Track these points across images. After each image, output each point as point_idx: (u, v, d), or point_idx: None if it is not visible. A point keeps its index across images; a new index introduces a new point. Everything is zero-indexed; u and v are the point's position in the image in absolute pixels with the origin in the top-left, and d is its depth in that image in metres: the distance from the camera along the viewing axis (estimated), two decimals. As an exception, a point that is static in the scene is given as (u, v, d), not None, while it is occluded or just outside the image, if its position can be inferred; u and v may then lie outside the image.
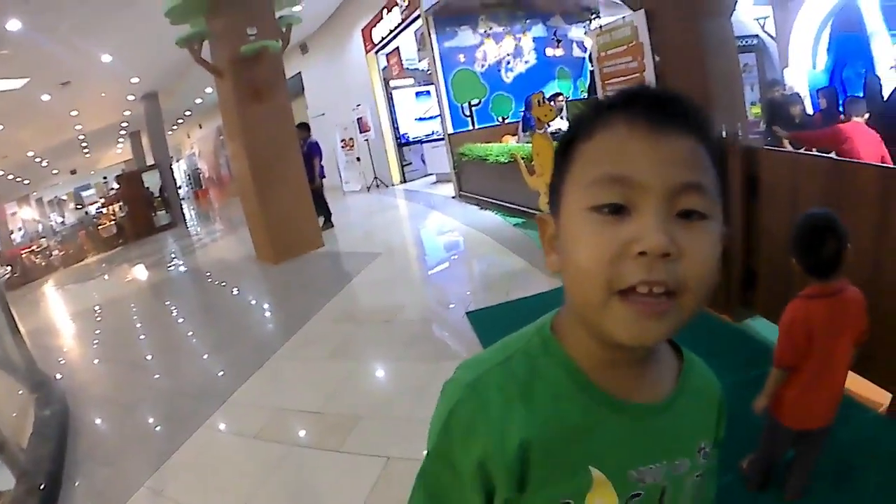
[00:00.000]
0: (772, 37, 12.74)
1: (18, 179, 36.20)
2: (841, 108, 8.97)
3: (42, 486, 4.61)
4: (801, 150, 6.60)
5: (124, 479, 4.74)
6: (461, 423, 0.98)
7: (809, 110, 9.87)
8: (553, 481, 0.96)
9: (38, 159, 31.35)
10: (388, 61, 18.47)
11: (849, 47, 10.88)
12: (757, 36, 12.88)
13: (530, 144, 9.40)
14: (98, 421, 6.18)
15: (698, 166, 0.87)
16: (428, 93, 19.15)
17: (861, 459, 3.06)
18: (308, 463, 4.18)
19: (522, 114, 13.27)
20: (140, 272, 15.60)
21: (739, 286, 4.68)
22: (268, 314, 8.85)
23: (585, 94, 13.67)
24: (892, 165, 5.01)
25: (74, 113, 22.50)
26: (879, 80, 9.17)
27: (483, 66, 15.37)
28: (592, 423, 0.97)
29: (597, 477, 0.96)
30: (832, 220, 2.48)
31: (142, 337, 9.41)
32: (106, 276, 16.48)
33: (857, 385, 3.54)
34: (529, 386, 0.97)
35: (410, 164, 19.79)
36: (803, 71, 11.19)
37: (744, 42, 12.09)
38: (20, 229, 40.32)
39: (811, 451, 2.74)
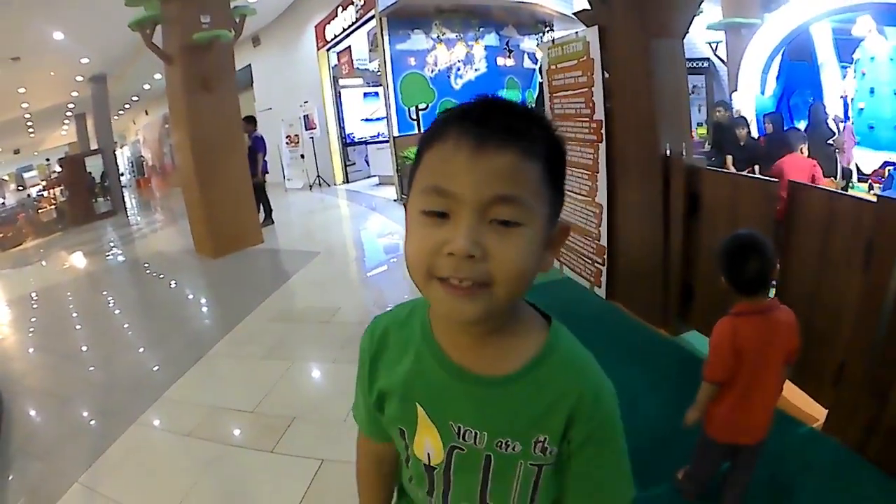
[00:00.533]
0: (723, 61, 12.98)
1: (-41, 156, 35.54)
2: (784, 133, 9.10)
3: None
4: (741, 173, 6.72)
5: (58, 474, 4.65)
6: (363, 350, 1.36)
7: (755, 133, 10.04)
8: (394, 406, 1.27)
9: (-20, 136, 30.80)
10: (339, 59, 18.44)
11: (798, 75, 11.16)
12: (708, 59, 13.12)
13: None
14: (32, 413, 6.05)
15: (515, 180, 1.00)
16: (376, 94, 19.14)
17: (796, 474, 3.13)
18: (242, 463, 4.17)
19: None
20: (78, 260, 15.31)
21: (677, 300, 4.75)
22: (205, 309, 8.78)
23: (534, 105, 13.78)
24: (825, 187, 5.11)
25: (22, 90, 22.04)
26: (825, 107, 9.42)
27: (433, 70, 15.39)
28: (426, 371, 1.21)
29: (421, 414, 1.22)
30: (757, 239, 2.53)
31: (78, 327, 9.23)
32: (43, 263, 16.14)
33: (795, 399, 3.62)
34: (402, 335, 1.29)
35: (354, 164, 19.75)
36: (751, 96, 11.40)
37: (694, 64, 12.32)
38: (-42, 207, 39.44)
39: (745, 466, 2.77)
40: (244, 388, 5.37)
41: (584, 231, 5.83)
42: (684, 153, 4.59)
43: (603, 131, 5.20)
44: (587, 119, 5.42)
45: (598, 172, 5.36)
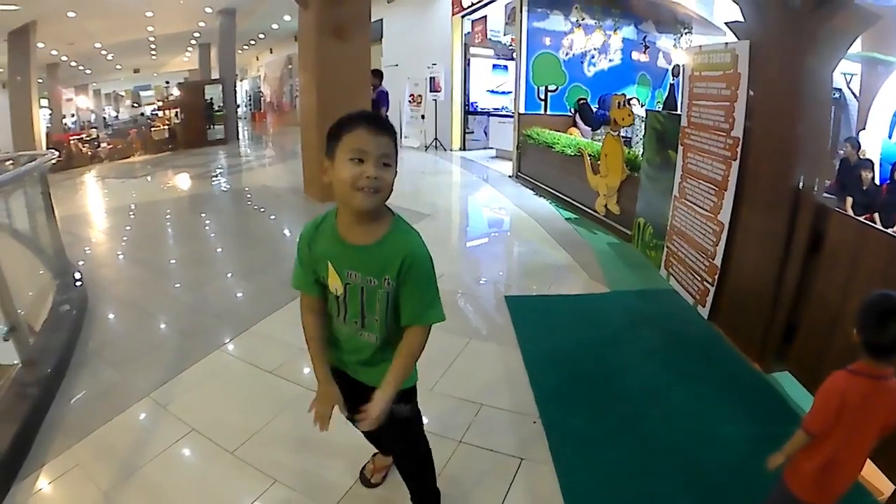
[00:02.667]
0: (855, 95, 12.54)
1: (80, 68, 36.32)
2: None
3: (47, 373, 4.67)
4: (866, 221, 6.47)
5: (130, 384, 4.76)
6: (301, 241, 2.55)
7: (877, 180, 9.62)
8: (318, 264, 2.49)
9: (104, 52, 31.42)
10: (472, 27, 18.29)
11: None
12: (840, 90, 12.67)
13: (598, 142, 9.34)
14: (114, 320, 6.19)
15: (390, 147, 2.27)
16: (505, 67, 19.07)
17: None
18: None
19: (579, 107, 13.22)
20: (183, 181, 15.56)
21: (778, 338, 4.59)
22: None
23: (661, 106, 13.55)
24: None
25: (149, 14, 22.52)
26: None
27: (568, 54, 15.21)
28: (333, 245, 2.43)
29: (330, 267, 2.44)
30: None
31: (172, 244, 9.46)
32: (148, 178, 16.45)
33: (865, 467, 3.51)
34: (320, 230, 2.50)
35: (473, 133, 19.63)
36: (879, 138, 10.93)
37: (828, 95, 11.89)
38: (73, 116, 40.38)
39: None
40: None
41: (699, 246, 5.69)
42: (816, 188, 4.42)
43: (739, 149, 5.02)
44: (724, 134, 5.26)
45: (726, 190, 5.20)
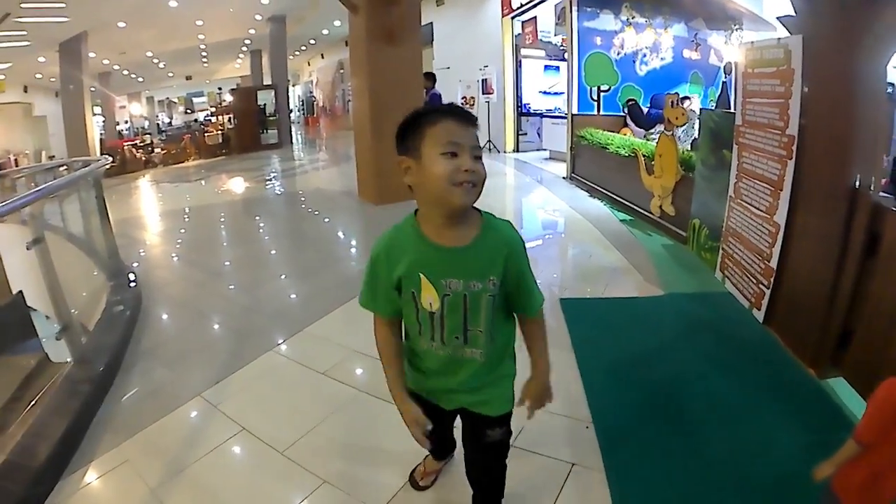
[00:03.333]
0: (910, 91, 12.28)
1: (133, 76, 36.99)
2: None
3: (98, 372, 4.79)
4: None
5: (182, 384, 4.86)
6: (377, 259, 2.36)
7: None
8: (407, 279, 2.29)
9: (155, 60, 32.14)
10: (522, 29, 18.29)
11: None
12: (894, 86, 12.41)
13: (652, 142, 9.28)
14: (168, 321, 6.33)
15: (478, 140, 2.18)
16: (557, 68, 18.98)
17: None
18: (374, 412, 4.21)
19: (629, 107, 13.15)
20: (237, 184, 15.82)
21: (833, 343, 4.50)
22: (358, 254, 8.87)
23: (714, 105, 13.41)
24: None
25: (199, 23, 23.17)
26: None
27: (619, 53, 15.09)
28: (422, 253, 2.25)
29: (423, 279, 2.26)
30: None
31: (226, 246, 9.61)
32: (202, 182, 16.75)
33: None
34: (398, 242, 2.31)
35: (526, 134, 19.65)
36: None
37: (885, 92, 11.63)
38: (127, 122, 41.16)
39: None
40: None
41: (754, 248, 5.61)
42: (873, 187, 4.33)
43: (794, 148, 4.94)
44: (779, 132, 5.18)
45: (781, 190, 5.12)
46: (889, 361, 3.80)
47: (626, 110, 13.71)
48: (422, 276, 2.26)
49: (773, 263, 5.24)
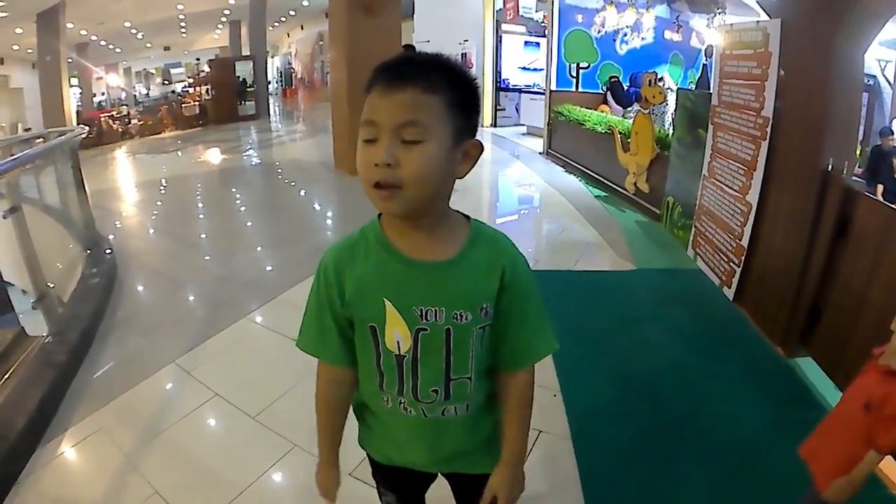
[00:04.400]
0: (889, 83, 12.43)
1: (111, 47, 36.58)
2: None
3: (74, 342, 4.76)
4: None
5: (156, 351, 4.86)
6: (324, 273, 1.65)
7: None
8: (362, 307, 1.59)
9: (133, 31, 31.71)
10: (504, 4, 18.28)
11: None
12: (874, 77, 12.55)
13: (629, 120, 9.35)
14: (142, 290, 6.32)
15: (415, 109, 1.37)
16: (537, 44, 18.98)
17: None
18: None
19: (611, 84, 13.20)
20: (213, 155, 15.73)
21: (802, 322, 4.57)
22: (331, 223, 8.93)
23: (694, 86, 13.49)
24: None
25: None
26: None
27: (600, 31, 15.11)
28: (388, 270, 1.56)
29: (389, 307, 1.55)
30: None
31: (201, 217, 9.58)
32: (179, 153, 16.67)
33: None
34: (359, 249, 1.61)
35: (504, 110, 19.69)
36: None
37: (860, 79, 11.78)
38: (104, 94, 40.78)
39: None
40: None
41: (726, 227, 5.68)
42: (845, 171, 4.38)
43: (769, 129, 5.00)
44: (754, 113, 5.23)
45: (755, 170, 5.19)
46: (856, 341, 3.87)
47: (607, 87, 13.73)
48: (387, 302, 1.55)
49: (745, 242, 5.30)
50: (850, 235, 4.18)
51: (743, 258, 5.33)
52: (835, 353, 4.16)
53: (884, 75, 12.72)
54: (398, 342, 1.59)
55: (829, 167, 4.37)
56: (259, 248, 7.71)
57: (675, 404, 3.91)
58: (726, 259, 5.65)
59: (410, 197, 1.41)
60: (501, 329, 1.64)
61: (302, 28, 38.77)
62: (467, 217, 1.66)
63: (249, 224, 9.12)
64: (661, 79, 11.96)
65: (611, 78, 13.79)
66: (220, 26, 33.67)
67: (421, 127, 1.37)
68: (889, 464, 3.37)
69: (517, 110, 19.21)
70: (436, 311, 1.55)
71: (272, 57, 43.24)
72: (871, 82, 12.41)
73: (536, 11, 18.46)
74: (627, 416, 3.78)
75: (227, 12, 29.16)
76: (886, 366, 2.08)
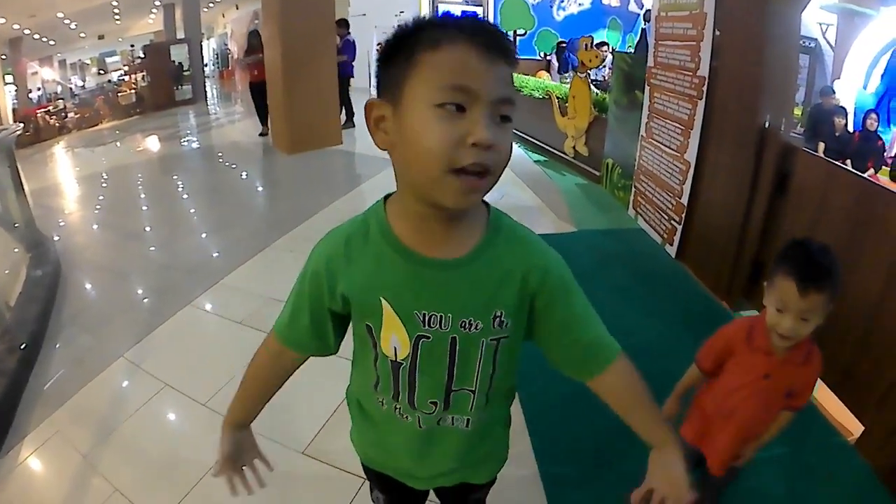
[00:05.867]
0: (831, 45, 12.60)
1: (44, 40, 35.87)
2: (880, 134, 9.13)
3: (22, 346, 4.66)
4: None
5: (105, 347, 4.78)
6: (315, 264, 1.41)
7: (851, 127, 9.82)
8: (357, 304, 1.38)
9: (66, 21, 30.99)
10: (440, -27, 18.06)
11: None
12: (816, 40, 12.73)
13: (567, 85, 9.36)
14: (88, 287, 6.22)
15: (511, 85, 1.20)
16: (475, 13, 18.93)
17: (816, 483, 3.08)
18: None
19: (560, 53, 13.22)
20: (152, 143, 15.46)
21: (745, 276, 4.67)
22: (272, 203, 8.89)
23: (633, 49, 13.56)
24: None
25: (110, -23, 22.31)
26: None
27: (537, -1, 15.06)
28: (388, 266, 1.32)
29: (386, 308, 1.33)
30: (829, 260, 2.03)
31: (144, 208, 9.38)
32: (118, 144, 16.32)
33: (835, 408, 3.52)
34: (357, 239, 1.37)
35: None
36: (854, 88, 11.09)
37: (802, 42, 11.96)
38: (39, 89, 40.06)
39: (706, 489, 2.48)
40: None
41: (665, 185, 5.75)
42: (783, 129, 4.46)
43: (705, 88, 5.06)
44: (690, 73, 5.30)
45: (692, 129, 5.25)
46: None
47: (549, 53, 13.85)
48: (384, 301, 1.35)
49: (685, 200, 5.37)
50: (789, 190, 4.25)
51: (683, 216, 5.40)
52: None
53: (825, 38, 12.90)
54: (395, 348, 1.39)
55: (767, 124, 4.44)
56: (201, 234, 7.61)
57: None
58: (667, 217, 5.71)
59: (490, 185, 1.19)
60: (555, 340, 1.44)
61: (237, 7, 38.34)
62: (487, 205, 1.40)
63: (192, 210, 8.98)
64: (602, 45, 11.98)
65: (559, 43, 13.81)
66: (154, 10, 33.09)
67: (514, 106, 1.19)
68: (841, 412, 3.46)
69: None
70: (441, 317, 1.34)
71: (208, 39, 42.75)
72: (813, 45, 12.60)
73: (473, -20, 18.45)
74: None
75: (160, -4, 28.79)
76: (766, 344, 2.17)
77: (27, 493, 3.44)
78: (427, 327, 1.34)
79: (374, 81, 1.50)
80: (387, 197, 1.39)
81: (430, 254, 1.31)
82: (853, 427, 3.42)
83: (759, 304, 4.38)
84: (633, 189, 6.64)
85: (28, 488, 3.48)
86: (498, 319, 1.35)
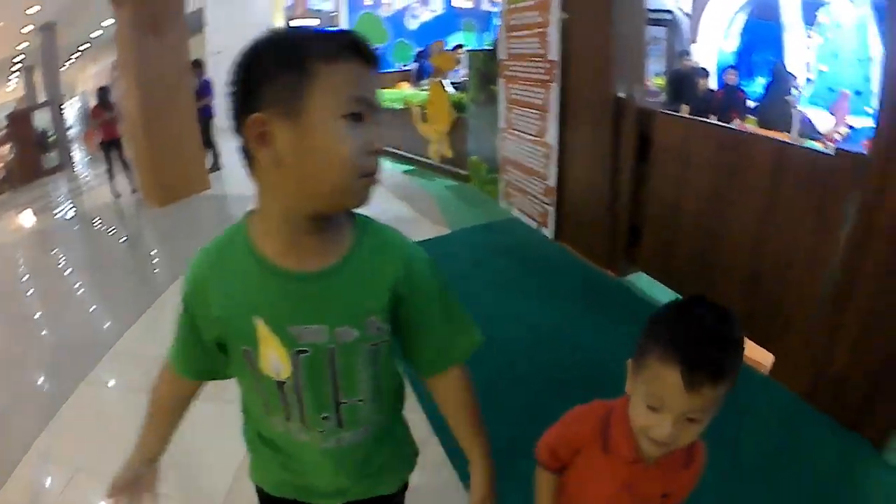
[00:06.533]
0: (685, 13, 12.95)
1: None
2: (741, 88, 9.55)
3: None
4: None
5: (12, 441, 4.58)
6: (189, 288, 1.38)
7: (714, 86, 10.16)
8: (232, 328, 1.34)
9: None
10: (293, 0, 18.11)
11: (761, 34, 11.41)
12: (671, 11, 13.10)
13: (425, 92, 9.42)
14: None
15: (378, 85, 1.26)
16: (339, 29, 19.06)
17: (743, 419, 3.14)
18: (200, 414, 4.11)
19: (418, 61, 13.31)
20: (27, 219, 15.14)
21: (624, 242, 4.79)
22: (151, 260, 8.79)
23: (490, 47, 13.72)
24: (784, 140, 5.10)
25: (-36, 45, 21.67)
26: (785, 68, 9.75)
27: (389, 11, 15.14)
28: (256, 283, 1.29)
29: (260, 327, 1.30)
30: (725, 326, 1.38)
31: (29, 291, 8.90)
32: (-9, 224, 16.03)
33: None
34: (222, 262, 1.34)
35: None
36: (713, 48, 11.63)
37: (657, 15, 12.29)
38: None
39: None
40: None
41: (532, 171, 5.87)
42: (636, 96, 4.59)
43: (556, 72, 5.20)
44: (541, 59, 5.44)
45: (548, 112, 5.37)
46: (678, 244, 4.17)
47: (412, 63, 13.88)
48: (258, 322, 1.32)
49: (552, 182, 5.47)
50: (653, 154, 4.38)
51: (554, 198, 5.50)
52: (662, 261, 4.43)
53: (679, 8, 13.28)
54: (276, 369, 1.36)
55: (622, 95, 4.58)
56: (88, 307, 7.39)
57: (516, 346, 3.99)
58: (538, 202, 5.83)
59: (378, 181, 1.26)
60: (412, 338, 1.47)
61: (95, 62, 37.90)
62: (352, 213, 1.37)
63: (75, 284, 8.68)
64: (458, 47, 12.10)
65: (417, 57, 13.91)
66: (11, 76, 32.44)
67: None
68: (753, 350, 3.50)
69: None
70: (316, 328, 1.32)
71: (70, 99, 42.12)
72: (670, 16, 13.02)
73: (325, 1, 18.47)
74: (472, 363, 3.73)
75: (19, 58, 28.05)
76: (630, 452, 1.49)
77: None
78: (303, 341, 1.32)
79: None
80: (246, 217, 1.34)
81: (299, 267, 1.28)
82: (764, 359, 3.53)
83: (643, 265, 4.53)
84: (502, 181, 6.75)
85: None
86: (374, 325, 1.35)
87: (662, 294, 4.35)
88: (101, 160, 20.98)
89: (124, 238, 10.43)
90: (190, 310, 1.41)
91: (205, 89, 12.61)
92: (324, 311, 1.31)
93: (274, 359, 1.34)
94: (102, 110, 12.71)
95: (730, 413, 3.02)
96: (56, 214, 14.63)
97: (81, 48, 32.00)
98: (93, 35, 27.92)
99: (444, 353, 1.49)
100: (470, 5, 16.14)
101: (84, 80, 42.36)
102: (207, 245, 1.39)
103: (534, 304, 4.54)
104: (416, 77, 12.91)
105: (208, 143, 12.59)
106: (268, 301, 1.30)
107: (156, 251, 9.10)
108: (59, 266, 9.72)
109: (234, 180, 12.22)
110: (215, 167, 12.80)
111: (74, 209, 14.52)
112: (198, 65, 12.69)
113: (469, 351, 1.53)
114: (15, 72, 31.10)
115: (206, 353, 1.46)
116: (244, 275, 1.30)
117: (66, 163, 24.24)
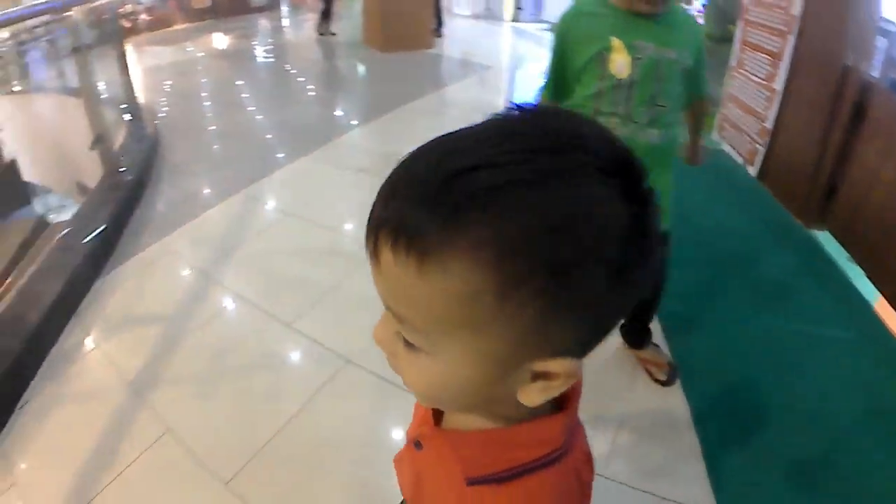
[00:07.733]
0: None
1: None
2: None
3: (130, 181, 5.09)
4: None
5: (220, 185, 5.29)
6: (562, 28, 2.40)
7: None
8: (595, 39, 2.27)
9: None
10: None
11: None
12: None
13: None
14: (187, 144, 6.67)
15: None
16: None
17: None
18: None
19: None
20: (227, 41, 15.64)
21: (819, 197, 5.04)
22: (374, 88, 9.47)
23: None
24: None
25: None
26: None
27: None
28: (616, 20, 2.25)
29: (614, 41, 2.22)
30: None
31: (241, 91, 9.61)
32: (189, 45, 15.62)
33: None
34: (585, 11, 2.35)
35: (522, 10, 18.64)
36: None
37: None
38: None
39: None
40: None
41: (751, 111, 6.09)
42: (861, 69, 4.80)
43: (795, 25, 5.37)
44: (782, 10, 5.61)
45: (781, 61, 5.58)
46: (868, 214, 4.43)
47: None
48: (613, 39, 2.22)
49: (769, 125, 5.74)
50: (865, 122, 4.64)
51: (767, 139, 5.77)
52: (848, 225, 4.69)
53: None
54: (619, 69, 2.24)
55: (849, 63, 4.84)
56: (313, 105, 8.21)
57: (700, 268, 4.39)
58: (750, 139, 6.08)
59: None
60: (691, 79, 2.40)
61: None
62: None
63: (309, 86, 9.52)
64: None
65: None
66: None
67: None
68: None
69: (540, 6, 18.61)
70: (649, 45, 2.22)
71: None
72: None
73: None
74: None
75: None
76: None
77: (136, 301, 3.86)
78: (640, 52, 2.22)
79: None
80: None
81: (641, 8, 2.19)
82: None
83: (830, 224, 4.94)
84: (719, 115, 6.94)
85: (139, 296, 3.90)
86: (685, 53, 2.31)
87: (840, 254, 4.60)
88: (307, 7, 20.69)
89: (344, 66, 11.44)
90: (561, 43, 2.37)
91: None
92: (655, 36, 2.23)
93: (620, 61, 2.22)
94: None
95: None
96: (273, 40, 15.50)
97: None
98: None
99: (703, 88, 2.63)
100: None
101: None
102: (569, 8, 2.39)
103: (725, 226, 5.05)
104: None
105: (436, 9, 12.78)
106: (619, 28, 2.22)
107: (375, 84, 9.69)
108: (288, 72, 10.79)
109: (456, 47, 12.47)
110: (437, 33, 12.96)
111: (293, 37, 15.83)
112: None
113: (706, 93, 2.70)
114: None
115: (565, 80, 2.39)
116: (602, 16, 2.26)
117: (274, 4, 23.51)
